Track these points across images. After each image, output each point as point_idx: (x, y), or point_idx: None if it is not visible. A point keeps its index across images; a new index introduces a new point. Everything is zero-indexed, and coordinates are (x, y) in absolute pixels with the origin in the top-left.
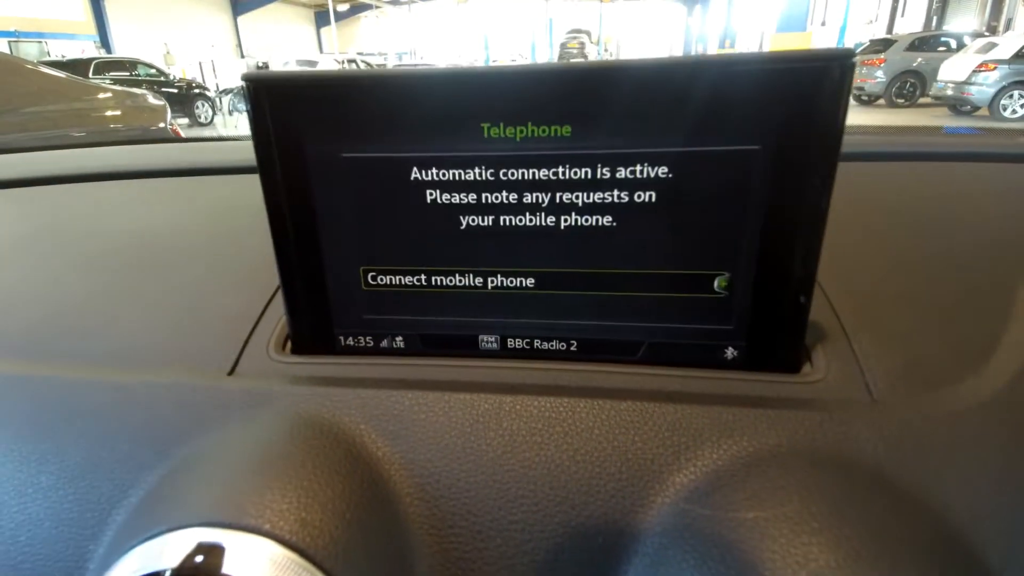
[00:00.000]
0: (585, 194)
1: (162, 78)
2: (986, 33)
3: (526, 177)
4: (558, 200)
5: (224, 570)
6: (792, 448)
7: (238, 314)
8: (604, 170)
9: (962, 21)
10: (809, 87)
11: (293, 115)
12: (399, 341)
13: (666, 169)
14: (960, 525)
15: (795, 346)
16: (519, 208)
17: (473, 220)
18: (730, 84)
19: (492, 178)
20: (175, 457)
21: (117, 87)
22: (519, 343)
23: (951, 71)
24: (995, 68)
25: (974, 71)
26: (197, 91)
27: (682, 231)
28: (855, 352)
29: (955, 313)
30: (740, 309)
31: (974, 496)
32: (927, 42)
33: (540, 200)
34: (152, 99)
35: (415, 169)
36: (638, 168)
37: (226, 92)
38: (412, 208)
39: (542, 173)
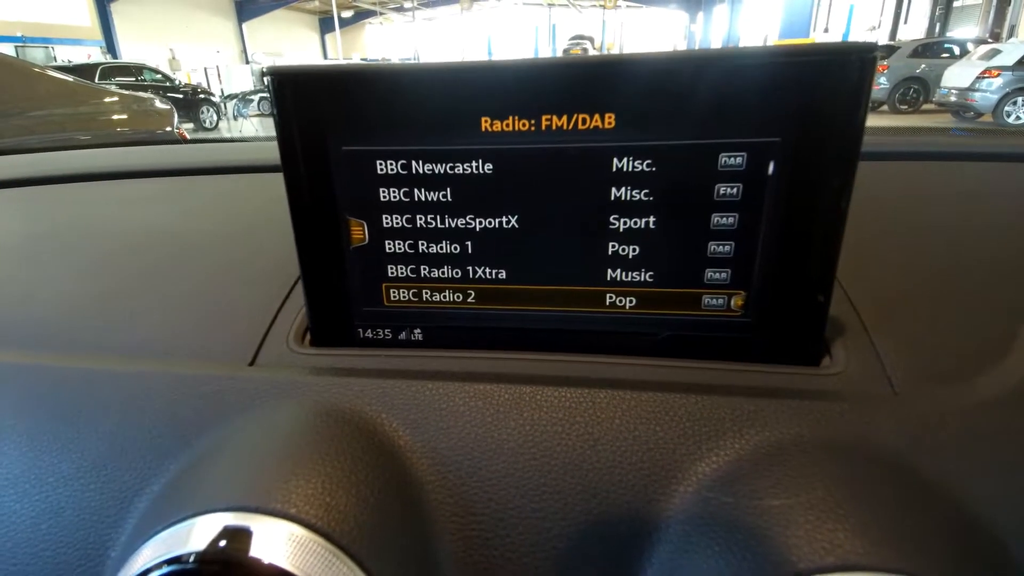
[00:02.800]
0: (598, 189)
1: (167, 83)
2: (989, 40)
3: (538, 173)
4: (573, 195)
5: (251, 553)
6: (814, 438)
7: (257, 307)
8: (617, 164)
9: (965, 28)
10: (829, 81)
11: (316, 108)
12: (417, 333)
13: (683, 161)
14: (980, 514)
15: (815, 340)
16: (533, 205)
17: (488, 214)
18: (747, 76)
19: (504, 173)
20: (197, 446)
21: (124, 91)
22: (537, 335)
23: (955, 77)
24: (999, 75)
25: (978, 77)
26: (202, 96)
27: (701, 224)
28: (875, 346)
29: (972, 308)
30: (759, 302)
31: (994, 486)
32: (930, 48)
33: (555, 195)
34: (159, 103)
35: (434, 162)
36: (651, 161)
37: (231, 97)
38: (431, 202)
39: (554, 169)
